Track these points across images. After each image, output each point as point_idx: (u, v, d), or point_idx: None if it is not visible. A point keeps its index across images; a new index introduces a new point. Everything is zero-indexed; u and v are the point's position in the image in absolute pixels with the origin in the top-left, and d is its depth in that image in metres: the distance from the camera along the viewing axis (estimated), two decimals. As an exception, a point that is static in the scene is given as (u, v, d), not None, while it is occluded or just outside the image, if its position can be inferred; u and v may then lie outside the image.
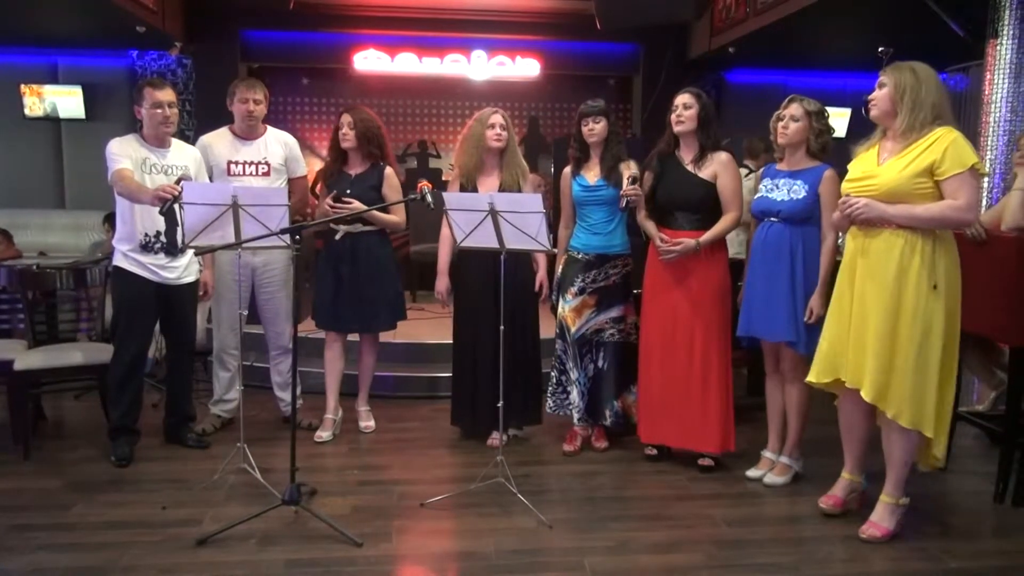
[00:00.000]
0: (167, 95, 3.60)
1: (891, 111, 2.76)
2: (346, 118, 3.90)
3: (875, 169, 2.79)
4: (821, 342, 2.99)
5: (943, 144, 2.65)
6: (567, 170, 3.83)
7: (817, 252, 3.21)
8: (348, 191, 3.85)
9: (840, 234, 3.14)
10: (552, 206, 3.73)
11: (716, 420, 3.48)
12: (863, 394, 2.79)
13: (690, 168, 3.49)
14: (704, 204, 3.46)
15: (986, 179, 4.50)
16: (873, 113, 2.82)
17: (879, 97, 2.79)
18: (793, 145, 3.25)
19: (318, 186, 4.17)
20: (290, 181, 4.02)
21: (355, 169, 3.96)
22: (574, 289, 3.71)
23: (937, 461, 2.91)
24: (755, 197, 3.37)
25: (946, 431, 2.85)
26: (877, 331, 2.75)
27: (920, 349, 2.71)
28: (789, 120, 3.22)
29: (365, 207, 3.75)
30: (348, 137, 3.88)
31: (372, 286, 3.92)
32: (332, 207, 3.77)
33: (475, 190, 3.76)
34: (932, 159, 2.66)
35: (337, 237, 3.92)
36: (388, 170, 3.96)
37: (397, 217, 3.97)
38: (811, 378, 3.01)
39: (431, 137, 7.96)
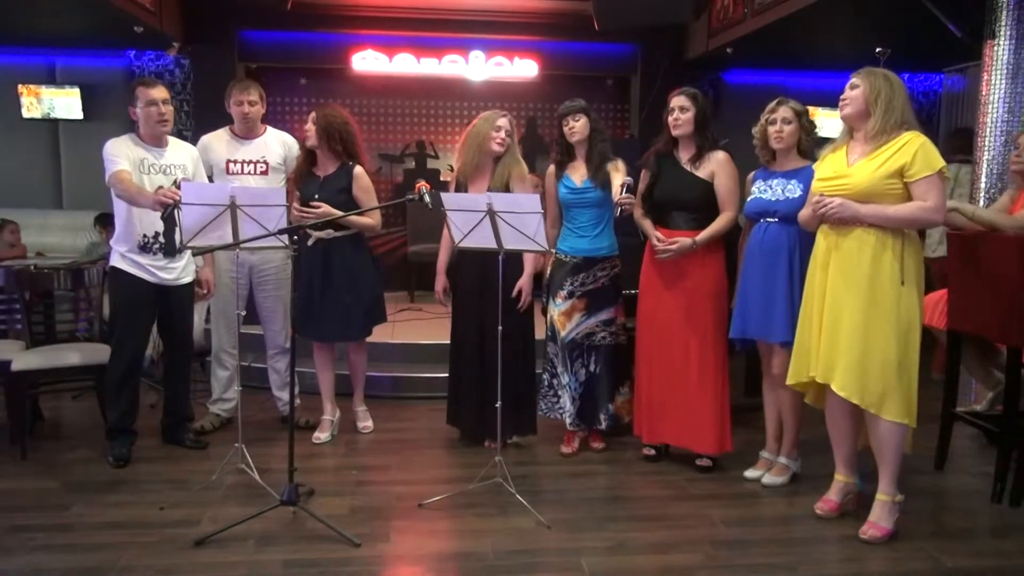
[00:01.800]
0: (160, 92, 3.58)
1: (864, 112, 2.85)
2: (311, 116, 3.81)
3: (846, 169, 2.87)
4: (795, 343, 3.04)
5: (913, 148, 2.75)
6: (551, 169, 3.80)
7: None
8: (316, 195, 3.75)
9: None
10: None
11: (713, 421, 3.49)
12: (834, 387, 2.87)
13: (687, 167, 3.49)
14: (701, 203, 3.46)
15: (983, 178, 4.51)
16: (846, 112, 2.90)
17: (853, 97, 2.87)
18: (788, 147, 3.28)
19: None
20: (288, 181, 4.01)
21: (323, 171, 3.84)
22: (563, 292, 3.70)
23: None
24: (748, 199, 3.39)
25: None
26: (852, 326, 2.82)
27: (901, 345, 2.80)
28: (782, 123, 3.25)
29: (334, 211, 3.63)
30: (310, 134, 3.78)
31: (347, 293, 3.82)
32: (300, 212, 3.68)
33: (466, 190, 3.73)
34: (903, 161, 2.75)
35: (309, 243, 3.80)
36: (358, 170, 3.82)
37: (372, 220, 3.85)
38: (789, 380, 3.07)
39: (429, 137, 7.95)
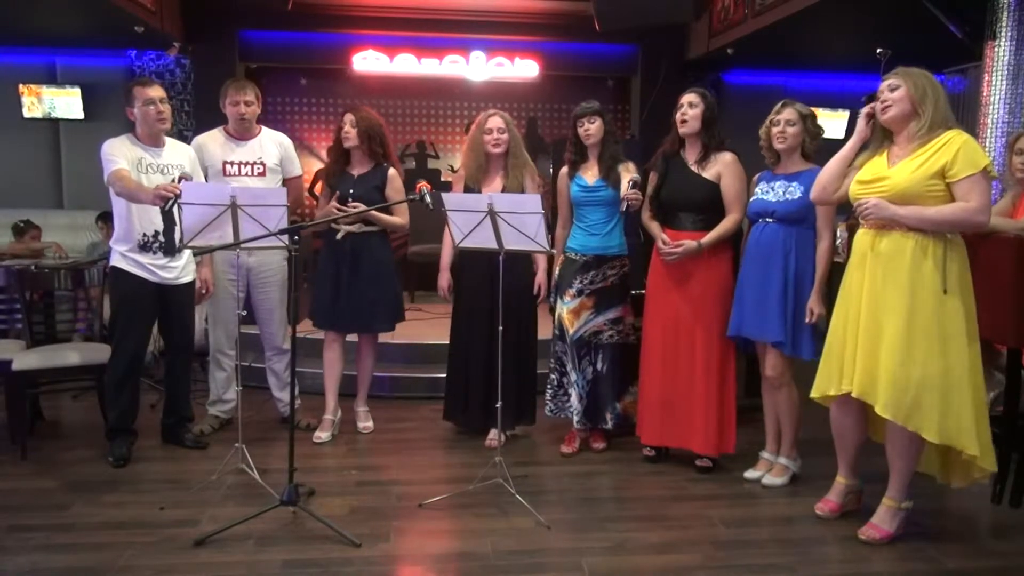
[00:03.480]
0: (157, 91, 3.59)
1: (911, 112, 2.72)
2: (348, 117, 3.89)
3: (886, 171, 2.76)
4: (826, 353, 2.92)
5: (955, 146, 2.63)
6: (564, 170, 3.83)
7: (810, 253, 3.23)
8: (351, 191, 3.84)
9: (839, 235, 3.15)
10: (551, 206, 3.74)
11: (716, 423, 3.48)
12: (877, 409, 2.71)
13: (694, 168, 3.49)
14: (707, 205, 3.46)
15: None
16: (891, 114, 2.74)
17: (897, 99, 2.73)
18: (791, 149, 3.27)
19: (318, 186, 4.17)
20: (285, 181, 4.01)
21: (358, 169, 3.95)
22: (572, 291, 3.71)
23: (983, 475, 2.84)
24: (750, 200, 3.39)
25: (990, 441, 2.75)
26: (892, 340, 2.68)
27: (942, 359, 2.65)
28: (786, 125, 3.25)
29: (368, 208, 3.75)
30: (350, 136, 3.87)
31: (373, 287, 3.90)
32: (339, 210, 3.76)
33: (478, 191, 3.77)
34: (944, 161, 2.63)
35: (338, 237, 3.90)
36: (392, 171, 3.95)
37: (401, 219, 3.97)
38: (814, 394, 2.96)
39: (430, 138, 7.97)
